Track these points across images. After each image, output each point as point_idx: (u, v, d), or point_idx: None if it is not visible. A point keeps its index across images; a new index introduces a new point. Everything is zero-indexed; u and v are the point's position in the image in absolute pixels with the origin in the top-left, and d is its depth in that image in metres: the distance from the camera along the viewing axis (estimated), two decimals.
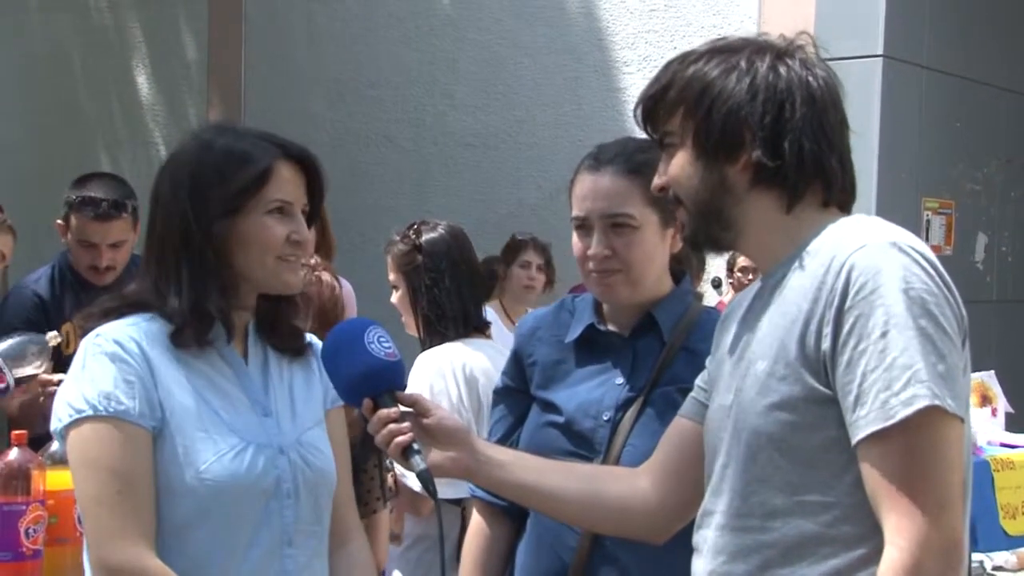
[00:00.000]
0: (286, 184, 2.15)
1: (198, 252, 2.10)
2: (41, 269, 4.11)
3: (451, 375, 3.47)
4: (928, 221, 6.66)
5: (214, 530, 2.08)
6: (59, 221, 4.01)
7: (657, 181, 1.94)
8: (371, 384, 2.02)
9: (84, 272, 3.98)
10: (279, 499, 2.13)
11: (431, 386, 3.44)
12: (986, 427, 4.24)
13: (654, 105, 1.92)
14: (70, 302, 3.92)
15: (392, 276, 3.69)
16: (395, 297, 3.71)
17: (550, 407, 2.47)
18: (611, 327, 2.48)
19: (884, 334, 1.66)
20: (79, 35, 9.34)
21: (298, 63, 8.31)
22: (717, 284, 6.88)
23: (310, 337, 2.31)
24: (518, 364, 2.56)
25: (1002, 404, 4.51)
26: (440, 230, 3.66)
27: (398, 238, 3.68)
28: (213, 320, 2.11)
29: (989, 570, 3.49)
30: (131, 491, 2.02)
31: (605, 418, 2.40)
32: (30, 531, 2.55)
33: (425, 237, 3.63)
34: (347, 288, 4.56)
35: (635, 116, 1.97)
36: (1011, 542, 3.41)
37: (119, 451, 2.03)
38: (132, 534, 2.01)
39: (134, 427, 2.04)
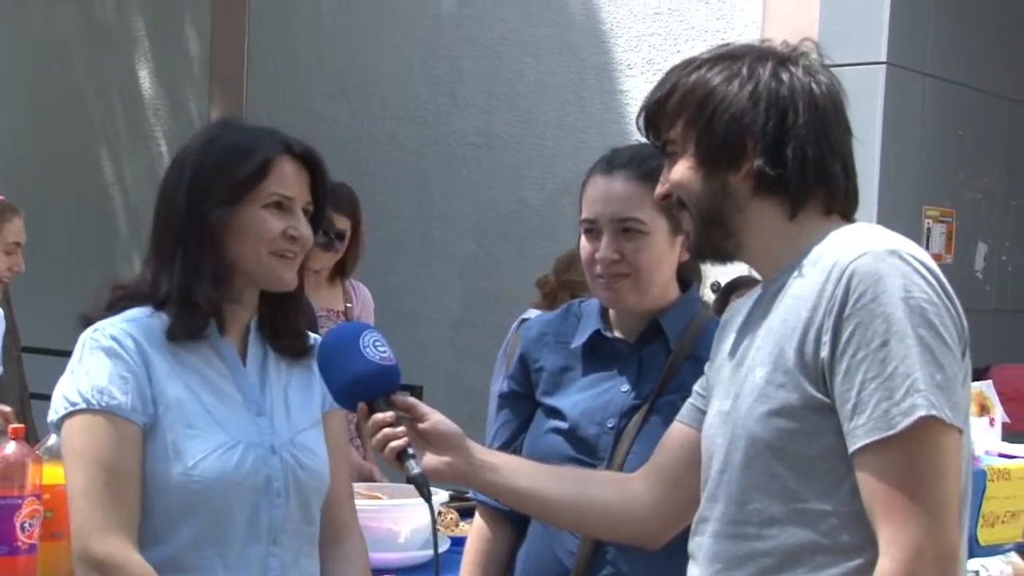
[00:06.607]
0: (287, 179, 2.16)
1: (193, 241, 2.11)
2: None
3: None
4: (929, 229, 6.64)
5: (201, 525, 2.09)
6: None
7: (660, 189, 1.94)
8: (366, 388, 2.00)
9: None
10: (268, 497, 2.14)
11: None
12: (984, 437, 4.22)
13: (656, 112, 1.91)
14: None
15: None
16: None
17: (554, 413, 2.46)
18: (617, 334, 2.47)
19: (884, 343, 1.66)
20: (82, 28, 9.32)
21: (301, 59, 8.30)
22: (716, 288, 6.85)
23: (314, 338, 2.31)
24: (524, 369, 2.55)
25: (999, 414, 4.50)
26: None
27: None
28: (200, 309, 2.11)
29: None
30: (118, 485, 2.04)
31: (609, 425, 2.40)
32: (25, 525, 2.55)
33: None
34: (364, 292, 4.52)
35: (637, 124, 1.96)
36: (981, 551, 3.38)
37: (109, 445, 2.04)
38: (115, 527, 2.02)
39: (125, 422, 2.05)
